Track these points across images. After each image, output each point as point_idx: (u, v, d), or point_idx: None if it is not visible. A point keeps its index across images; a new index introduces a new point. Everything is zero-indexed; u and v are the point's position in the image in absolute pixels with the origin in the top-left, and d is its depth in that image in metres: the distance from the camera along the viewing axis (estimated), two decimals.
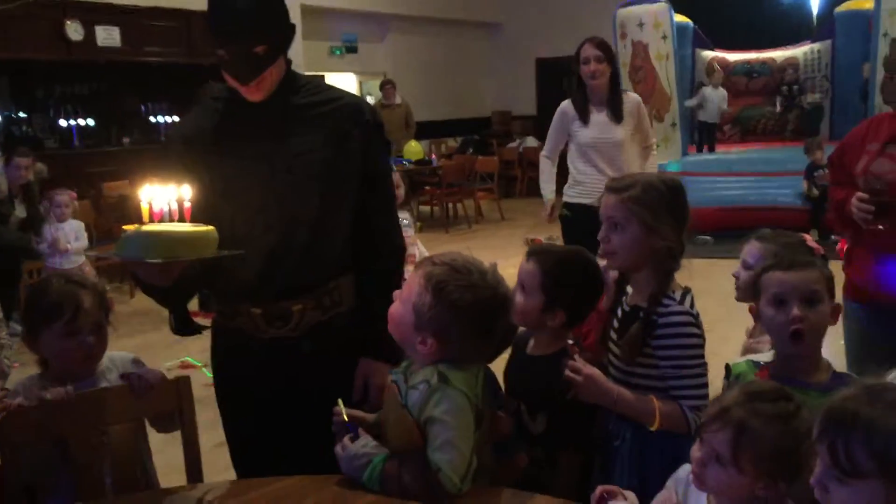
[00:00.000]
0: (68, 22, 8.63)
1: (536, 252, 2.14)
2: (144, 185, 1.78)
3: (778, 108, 10.52)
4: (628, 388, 1.89)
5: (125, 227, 1.77)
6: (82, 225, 6.21)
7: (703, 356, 1.88)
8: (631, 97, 4.65)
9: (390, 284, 2.02)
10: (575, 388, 1.88)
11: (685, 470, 1.58)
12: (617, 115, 4.45)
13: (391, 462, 1.66)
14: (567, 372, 1.88)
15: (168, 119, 10.22)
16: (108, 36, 9.06)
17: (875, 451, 1.19)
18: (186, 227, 1.78)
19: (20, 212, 6.04)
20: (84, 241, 6.08)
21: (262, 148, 2.09)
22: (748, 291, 2.16)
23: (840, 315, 1.90)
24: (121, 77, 9.84)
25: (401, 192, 3.77)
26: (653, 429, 1.84)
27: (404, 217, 3.78)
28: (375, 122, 2.23)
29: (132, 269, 1.93)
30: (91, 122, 9.74)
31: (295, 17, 2.05)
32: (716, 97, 9.78)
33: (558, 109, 4.65)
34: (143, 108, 10.26)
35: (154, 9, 9.36)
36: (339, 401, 1.83)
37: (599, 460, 2.01)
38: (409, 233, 3.91)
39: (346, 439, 1.73)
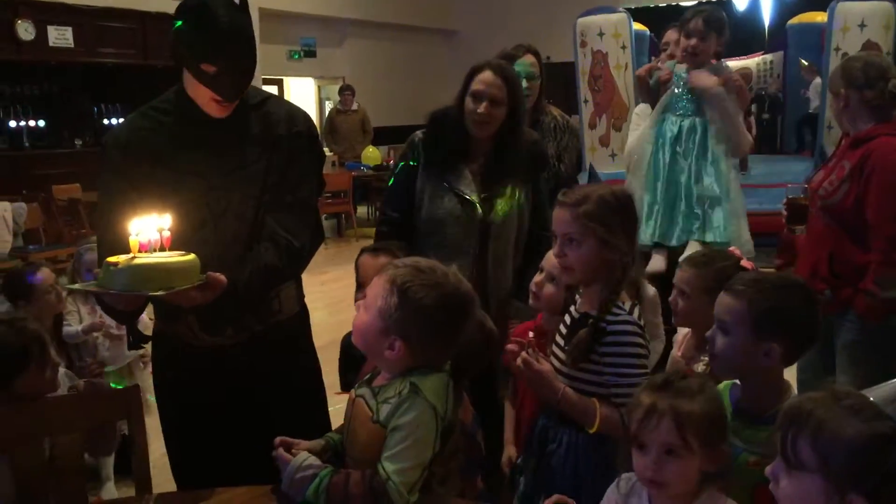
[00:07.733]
0: (19, 21, 8.44)
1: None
2: (132, 218, 1.80)
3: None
4: None
5: (110, 259, 1.76)
6: None
7: (646, 366, 1.90)
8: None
9: (266, 279, 2.04)
10: (526, 380, 1.93)
11: (625, 479, 1.60)
12: None
13: (339, 474, 1.63)
14: (518, 361, 1.91)
15: (122, 121, 10.01)
16: (60, 36, 8.88)
17: (818, 450, 1.24)
18: (173, 256, 1.78)
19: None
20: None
21: (200, 162, 2.07)
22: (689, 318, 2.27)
23: None
24: (73, 78, 9.65)
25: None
26: (591, 431, 1.86)
27: None
28: (309, 132, 2.20)
29: (105, 297, 1.91)
30: (42, 123, 9.51)
31: (253, 19, 2.04)
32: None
33: None
34: (95, 109, 10.05)
35: (108, 9, 9.19)
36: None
37: (533, 464, 2.03)
38: None
39: (286, 454, 1.69)
